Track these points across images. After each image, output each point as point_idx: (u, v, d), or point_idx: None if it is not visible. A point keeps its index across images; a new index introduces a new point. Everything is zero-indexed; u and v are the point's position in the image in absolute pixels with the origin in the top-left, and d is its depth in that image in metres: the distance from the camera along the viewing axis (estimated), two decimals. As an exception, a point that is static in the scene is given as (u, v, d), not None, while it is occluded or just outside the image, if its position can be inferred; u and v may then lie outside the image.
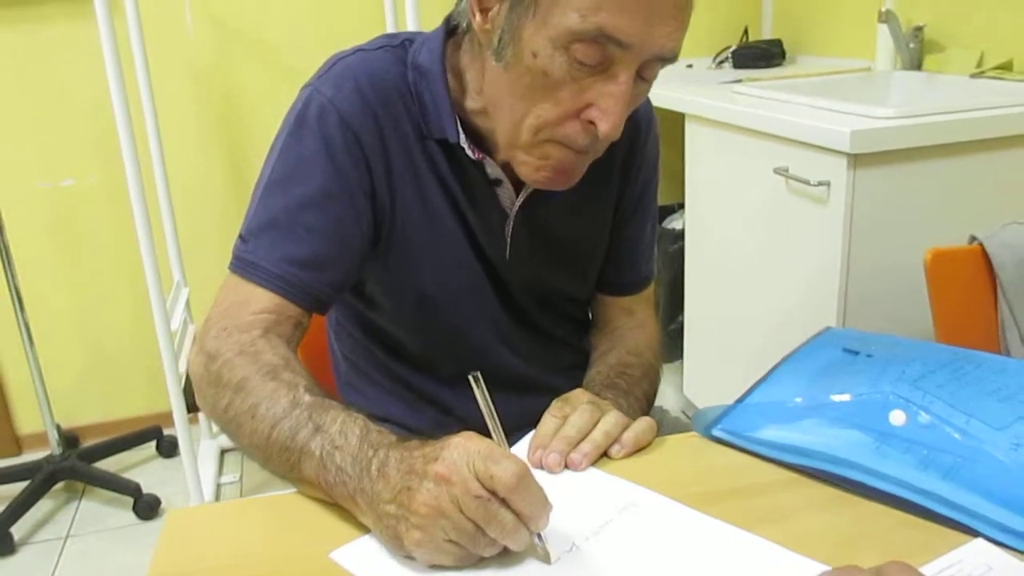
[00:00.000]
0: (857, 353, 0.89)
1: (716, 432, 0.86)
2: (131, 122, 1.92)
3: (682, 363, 2.46)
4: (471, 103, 0.95)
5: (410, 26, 1.90)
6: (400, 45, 0.98)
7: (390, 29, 2.25)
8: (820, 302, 1.72)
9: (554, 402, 0.88)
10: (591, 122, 0.83)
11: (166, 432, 2.70)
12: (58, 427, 2.47)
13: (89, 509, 2.47)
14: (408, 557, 0.68)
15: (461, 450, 0.66)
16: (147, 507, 2.38)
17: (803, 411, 0.83)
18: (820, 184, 1.64)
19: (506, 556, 0.68)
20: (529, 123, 0.86)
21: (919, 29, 2.18)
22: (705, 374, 2.38)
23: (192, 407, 2.18)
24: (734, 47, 2.71)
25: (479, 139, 0.97)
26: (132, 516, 2.39)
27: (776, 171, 1.77)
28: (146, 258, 2.01)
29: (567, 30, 0.78)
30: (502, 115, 0.89)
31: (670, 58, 0.83)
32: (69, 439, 2.64)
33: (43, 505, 2.43)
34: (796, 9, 2.80)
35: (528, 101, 0.85)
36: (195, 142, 2.62)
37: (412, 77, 0.95)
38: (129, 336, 2.73)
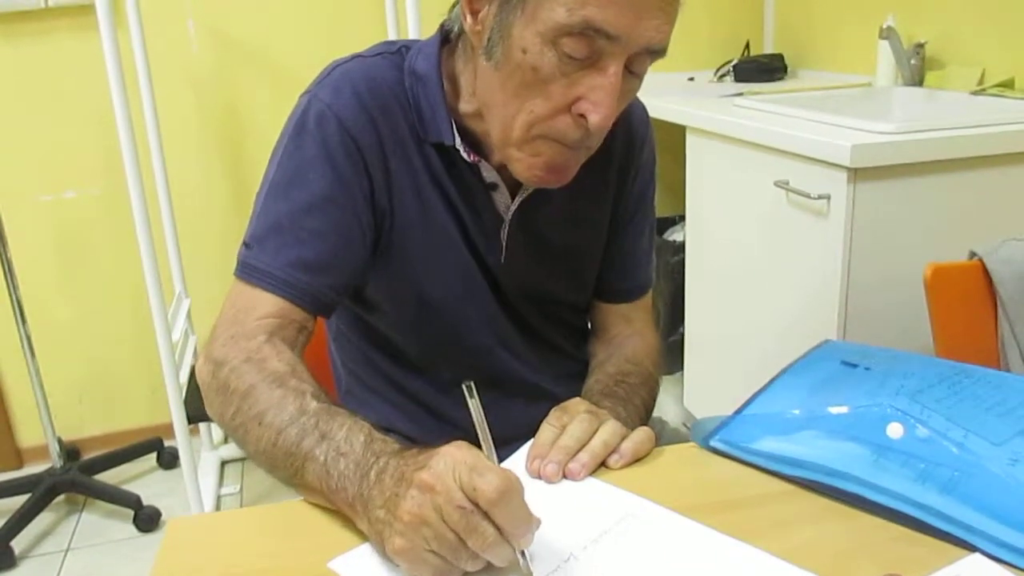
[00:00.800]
0: (856, 366, 0.89)
1: (714, 443, 0.86)
2: (133, 134, 1.93)
3: (683, 375, 2.46)
4: (465, 106, 0.96)
5: (412, 36, 1.91)
6: (397, 52, 1.00)
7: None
8: (820, 315, 1.72)
9: (552, 411, 0.88)
10: (582, 115, 0.84)
11: (167, 444, 2.70)
12: (59, 440, 2.47)
13: (90, 522, 2.46)
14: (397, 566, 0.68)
15: (449, 459, 0.66)
16: (148, 519, 2.38)
17: (801, 423, 0.83)
18: (820, 197, 1.64)
19: (489, 572, 0.67)
20: (521, 119, 0.87)
21: (920, 46, 2.18)
22: (705, 386, 2.37)
23: (192, 418, 2.18)
24: (736, 61, 2.72)
25: (475, 143, 0.98)
26: (133, 529, 2.38)
27: (777, 184, 1.77)
28: (147, 269, 2.02)
29: (555, 24, 0.80)
30: (494, 113, 0.90)
31: (658, 51, 0.84)
32: (70, 452, 2.64)
33: (44, 518, 2.43)
34: (798, 24, 2.81)
35: (519, 98, 0.86)
36: (197, 154, 2.63)
37: (409, 82, 0.97)
38: (130, 348, 2.73)
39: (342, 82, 0.95)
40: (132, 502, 2.39)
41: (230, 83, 2.60)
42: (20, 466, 2.76)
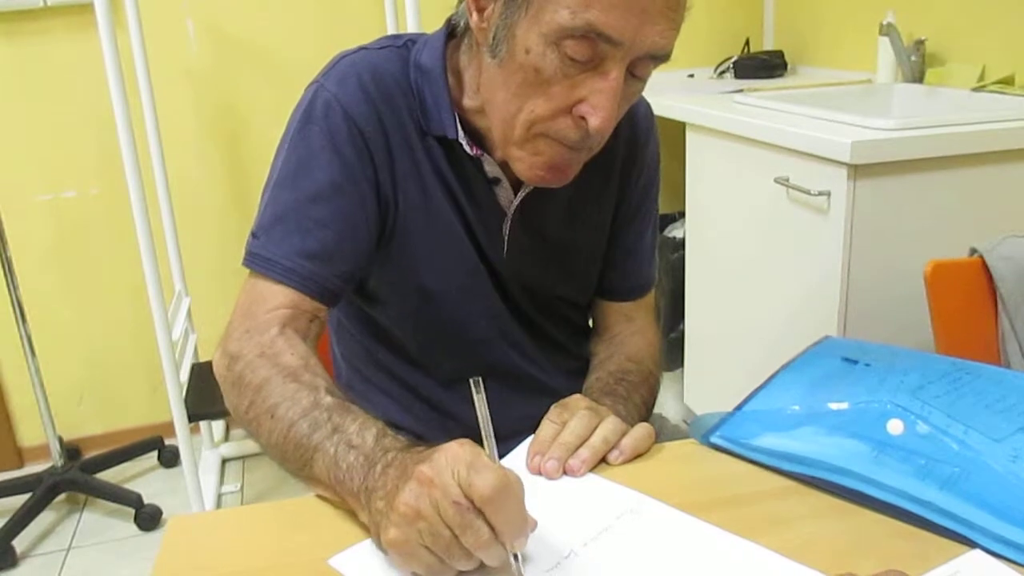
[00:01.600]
0: (855, 362, 0.89)
1: (714, 439, 0.86)
2: (133, 133, 1.93)
3: (683, 372, 2.46)
4: (469, 102, 0.97)
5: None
6: (403, 45, 1.00)
7: (392, 41, 2.26)
8: (820, 311, 1.71)
9: (552, 408, 0.88)
10: (582, 117, 0.84)
11: (167, 442, 2.70)
12: (60, 439, 2.47)
13: (91, 521, 2.46)
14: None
15: (450, 455, 0.66)
16: (149, 518, 2.38)
17: (801, 419, 0.83)
18: (820, 194, 1.64)
19: (482, 574, 0.67)
20: (522, 118, 0.87)
21: (920, 42, 2.18)
22: (706, 383, 2.37)
23: (193, 417, 2.18)
24: (736, 58, 2.72)
25: (478, 138, 0.98)
26: (134, 528, 2.39)
27: (777, 181, 1.77)
28: (147, 268, 2.02)
29: (558, 27, 0.80)
30: (496, 111, 0.90)
31: (662, 57, 0.84)
32: (71, 451, 2.65)
33: (45, 517, 2.43)
34: (798, 21, 2.81)
35: (521, 97, 0.86)
36: (196, 152, 2.63)
37: (413, 76, 0.97)
38: (130, 346, 2.73)
39: (348, 73, 0.96)
40: (133, 501, 2.40)
41: (229, 82, 2.60)
42: (21, 465, 2.76)
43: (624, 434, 0.85)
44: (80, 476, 2.45)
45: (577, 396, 0.92)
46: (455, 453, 0.66)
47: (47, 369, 2.48)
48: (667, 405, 2.57)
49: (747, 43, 2.87)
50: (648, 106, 1.12)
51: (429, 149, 0.98)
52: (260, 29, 2.58)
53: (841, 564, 0.67)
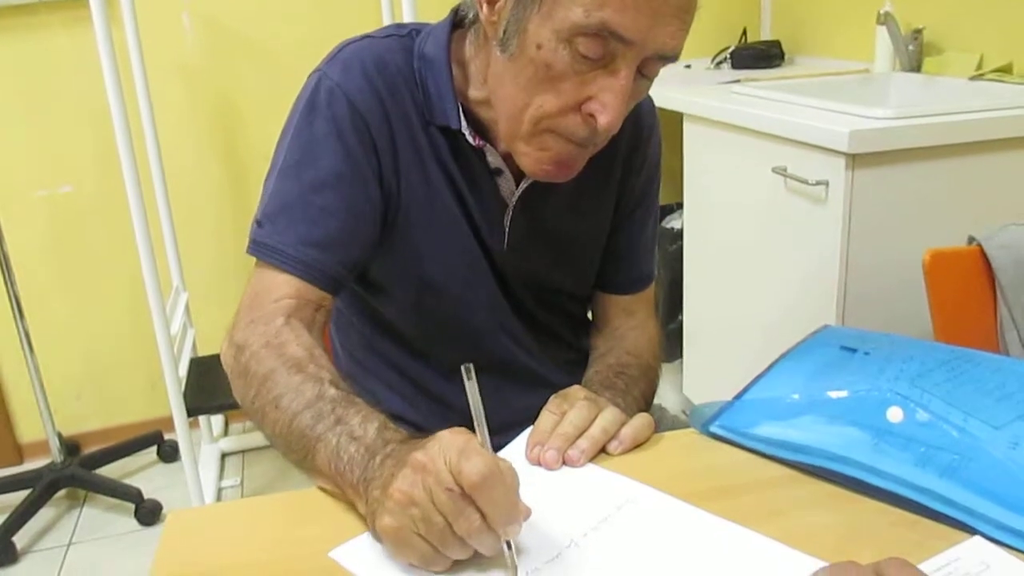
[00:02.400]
0: (855, 351, 0.89)
1: (714, 428, 0.86)
2: (129, 128, 1.92)
3: (681, 362, 2.46)
4: (474, 93, 0.97)
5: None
6: (407, 35, 1.00)
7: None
8: (819, 301, 1.71)
9: (552, 398, 0.88)
10: (591, 115, 0.84)
11: (167, 437, 2.70)
12: (59, 435, 2.47)
13: (91, 516, 2.46)
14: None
15: (444, 443, 0.66)
16: (149, 513, 2.38)
17: (801, 408, 0.83)
18: (818, 184, 1.64)
19: (475, 565, 0.67)
20: (530, 113, 0.87)
21: (918, 31, 2.18)
22: (704, 373, 2.38)
23: (192, 411, 2.18)
24: (733, 48, 2.71)
25: (481, 129, 0.98)
26: (134, 522, 2.39)
27: (775, 171, 1.77)
28: (145, 263, 2.02)
29: (571, 24, 0.80)
30: (504, 105, 0.90)
31: (671, 57, 0.84)
32: (70, 447, 2.65)
33: (45, 513, 2.43)
34: (795, 10, 2.80)
35: (530, 92, 0.86)
36: (193, 146, 2.62)
37: (417, 65, 0.97)
38: (129, 341, 2.73)
39: (352, 61, 0.96)
40: (133, 496, 2.40)
41: (226, 75, 2.59)
42: (20, 462, 2.76)
43: (623, 424, 0.85)
44: (80, 472, 2.45)
45: (576, 387, 0.92)
46: (448, 440, 0.66)
47: (45, 365, 2.48)
48: (665, 396, 2.57)
49: (744, 33, 2.87)
50: (651, 100, 1.11)
51: (432, 139, 0.98)
52: (256, 22, 2.57)
53: (841, 552, 0.67)
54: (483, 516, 0.64)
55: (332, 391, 0.81)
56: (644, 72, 0.85)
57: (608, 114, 0.83)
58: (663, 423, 1.14)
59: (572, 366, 1.12)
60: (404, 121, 0.97)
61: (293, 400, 0.81)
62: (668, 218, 2.59)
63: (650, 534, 0.71)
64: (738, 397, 0.88)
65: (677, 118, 2.18)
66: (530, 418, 0.87)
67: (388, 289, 1.04)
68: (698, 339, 2.37)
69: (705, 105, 2.05)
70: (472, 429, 0.69)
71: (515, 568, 0.66)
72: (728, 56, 2.70)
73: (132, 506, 2.40)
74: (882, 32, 2.22)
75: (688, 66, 2.73)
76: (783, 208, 1.80)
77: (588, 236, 1.10)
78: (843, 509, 0.74)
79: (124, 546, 2.31)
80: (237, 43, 2.57)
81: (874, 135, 1.55)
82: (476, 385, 0.71)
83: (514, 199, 1.01)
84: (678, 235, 2.43)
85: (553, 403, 0.87)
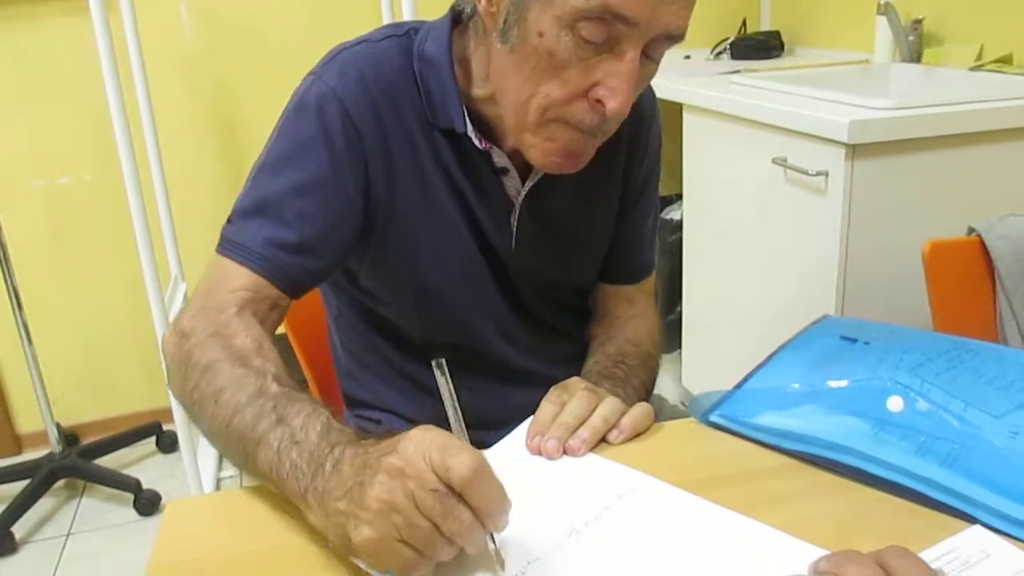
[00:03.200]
0: (855, 341, 0.89)
1: (714, 418, 0.86)
2: (127, 119, 1.92)
3: (681, 353, 2.46)
4: (477, 90, 0.95)
5: (407, 19, 1.89)
6: (405, 35, 0.98)
7: (387, 22, 2.25)
8: (818, 292, 1.71)
9: (552, 389, 0.88)
10: (599, 101, 0.83)
11: (165, 427, 2.70)
12: (58, 425, 2.47)
13: (90, 506, 2.47)
14: (357, 560, 0.64)
15: (417, 442, 0.62)
16: (147, 503, 2.39)
17: (800, 397, 0.83)
18: (818, 174, 1.64)
19: (459, 568, 0.65)
20: (536, 103, 0.85)
21: (918, 22, 2.17)
22: (704, 364, 2.38)
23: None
24: (732, 39, 2.71)
25: (486, 128, 0.96)
26: (133, 513, 2.39)
27: (774, 161, 1.77)
28: (143, 254, 2.01)
29: (573, 9, 0.78)
30: (509, 98, 0.88)
31: (677, 36, 0.82)
32: (69, 437, 2.65)
33: (44, 504, 2.43)
34: (795, 1, 2.80)
35: (535, 82, 0.84)
36: (191, 138, 2.62)
37: (418, 67, 0.95)
38: (127, 332, 2.73)
39: (348, 66, 0.93)
40: (132, 486, 2.40)
41: (223, 67, 2.58)
42: (19, 452, 2.76)
43: (623, 414, 0.85)
44: (79, 462, 2.46)
45: (576, 378, 0.91)
46: (423, 439, 0.62)
47: (44, 356, 2.48)
48: (665, 387, 2.57)
49: (744, 24, 2.86)
50: (651, 90, 1.10)
51: (433, 143, 0.96)
52: (254, 14, 2.56)
53: (842, 541, 0.67)
54: (473, 512, 0.61)
55: (274, 387, 0.76)
56: (650, 54, 0.84)
57: (616, 99, 0.82)
58: (662, 413, 1.14)
59: (573, 360, 1.11)
60: (401, 128, 0.95)
61: (234, 395, 0.76)
62: (668, 209, 2.59)
63: (651, 523, 0.71)
64: (738, 386, 0.88)
65: (677, 109, 2.17)
66: (528, 416, 0.86)
67: (386, 295, 1.03)
68: (697, 330, 2.37)
69: (705, 96, 2.05)
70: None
71: (502, 561, 0.64)
72: (728, 47, 2.69)
73: (131, 496, 2.40)
74: (882, 22, 2.22)
75: (688, 57, 2.73)
76: (783, 199, 1.80)
77: (595, 227, 1.09)
78: (843, 498, 0.74)
79: (123, 536, 2.31)
80: (235, 34, 2.56)
81: (874, 126, 1.55)
82: (449, 380, 0.70)
83: (520, 198, 1.00)
84: (677, 226, 2.43)
85: (553, 393, 0.87)
